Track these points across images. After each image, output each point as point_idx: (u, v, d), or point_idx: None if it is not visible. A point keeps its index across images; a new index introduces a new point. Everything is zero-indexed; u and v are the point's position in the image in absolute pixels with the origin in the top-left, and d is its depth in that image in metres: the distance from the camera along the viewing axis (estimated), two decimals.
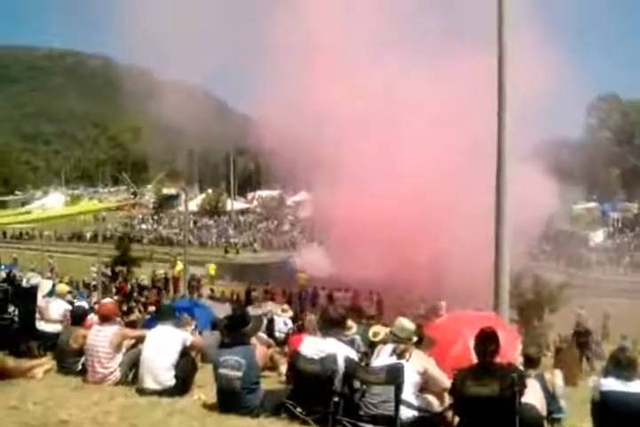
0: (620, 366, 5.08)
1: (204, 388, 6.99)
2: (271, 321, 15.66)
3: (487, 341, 5.14)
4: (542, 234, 36.01)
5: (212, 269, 40.48)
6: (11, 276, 29.20)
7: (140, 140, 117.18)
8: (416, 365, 5.44)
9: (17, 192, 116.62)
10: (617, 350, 5.39)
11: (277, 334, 15.01)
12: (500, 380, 4.89)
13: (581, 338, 19.32)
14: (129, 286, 33.26)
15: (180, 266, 42.62)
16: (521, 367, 6.24)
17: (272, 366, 9.03)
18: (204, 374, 7.27)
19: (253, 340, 6.61)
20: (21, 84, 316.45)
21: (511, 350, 7.05)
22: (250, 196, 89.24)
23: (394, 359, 5.46)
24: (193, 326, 11.95)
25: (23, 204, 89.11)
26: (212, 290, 34.13)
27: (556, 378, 6.76)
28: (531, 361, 6.83)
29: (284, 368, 8.62)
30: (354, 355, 5.70)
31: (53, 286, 12.58)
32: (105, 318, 7.67)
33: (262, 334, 10.78)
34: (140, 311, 19.18)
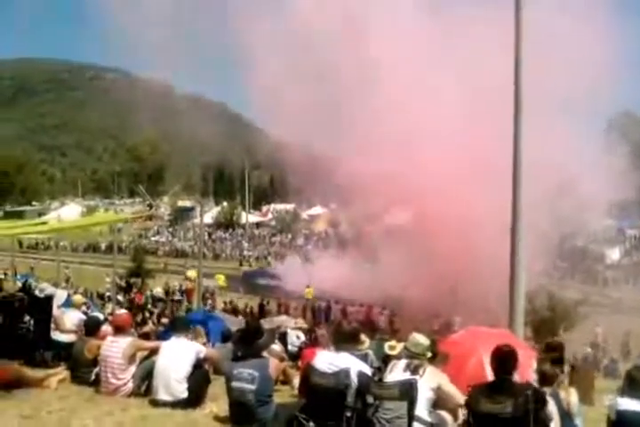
0: (635, 384, 5.02)
1: (217, 400, 6.99)
2: (284, 335, 15.62)
3: (505, 358, 5.10)
4: (558, 251, 35.73)
5: (220, 280, 40.39)
6: (26, 286, 29.39)
7: (156, 152, 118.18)
8: (430, 381, 5.41)
9: (34, 203, 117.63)
10: (632, 369, 5.34)
11: (290, 348, 14.96)
12: (514, 397, 4.85)
13: None
14: (143, 298, 33.39)
15: (190, 272, 43.01)
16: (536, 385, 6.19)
17: (285, 379, 9.02)
18: (216, 387, 7.28)
19: (266, 353, 6.61)
20: (40, 97, 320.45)
21: (526, 368, 6.99)
22: (264, 209, 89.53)
23: (407, 375, 5.44)
24: (205, 339, 11.95)
25: (39, 214, 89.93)
26: (225, 303, 34.17)
27: (572, 396, 6.68)
28: (546, 379, 6.77)
29: (296, 382, 8.59)
30: (367, 370, 5.68)
31: (68, 296, 12.65)
32: (119, 330, 7.71)
33: (276, 347, 10.79)
34: (153, 323, 19.24)
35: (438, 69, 31.67)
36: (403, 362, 5.62)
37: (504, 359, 5.10)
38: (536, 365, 7.58)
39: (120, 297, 30.74)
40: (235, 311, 30.84)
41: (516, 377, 5.18)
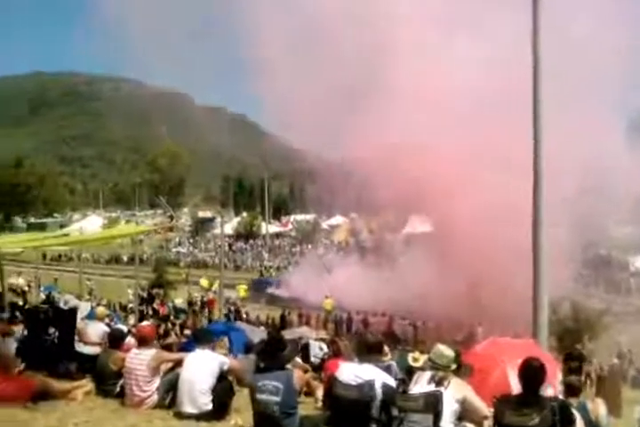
0: None
1: (241, 412, 7.00)
2: (306, 346, 15.56)
3: (534, 373, 5.06)
4: (581, 259, 35.36)
5: (242, 290, 40.55)
6: (50, 297, 29.67)
7: (176, 164, 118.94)
8: (455, 393, 5.37)
9: (55, 214, 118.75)
10: None
11: (313, 359, 14.91)
12: (539, 410, 4.81)
13: None
14: (166, 309, 33.54)
15: (203, 281, 43.34)
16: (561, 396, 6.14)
17: (308, 391, 8.99)
18: (240, 399, 7.29)
19: (289, 364, 6.60)
20: (61, 109, 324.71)
21: (551, 379, 6.92)
22: (284, 219, 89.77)
23: (432, 387, 5.40)
24: (226, 350, 11.96)
25: (61, 226, 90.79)
26: (247, 313, 34.25)
27: (600, 408, 6.61)
28: (572, 390, 6.71)
29: (320, 393, 8.56)
30: (392, 382, 5.65)
31: (92, 308, 12.75)
32: (143, 342, 7.75)
33: (298, 359, 10.77)
34: (176, 334, 19.27)
35: (455, 71, 31.50)
36: (427, 374, 5.58)
37: (533, 374, 5.06)
38: (561, 376, 7.52)
39: (142, 308, 30.87)
40: (248, 321, 30.97)
41: (549, 391, 5.13)
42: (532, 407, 4.86)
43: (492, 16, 30.18)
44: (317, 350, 15.42)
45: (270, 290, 43.27)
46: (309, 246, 64.93)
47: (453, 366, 5.65)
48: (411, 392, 5.49)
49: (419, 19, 33.72)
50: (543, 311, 11.80)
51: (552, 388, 6.38)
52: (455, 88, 30.90)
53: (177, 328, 23.55)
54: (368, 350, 5.85)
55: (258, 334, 15.88)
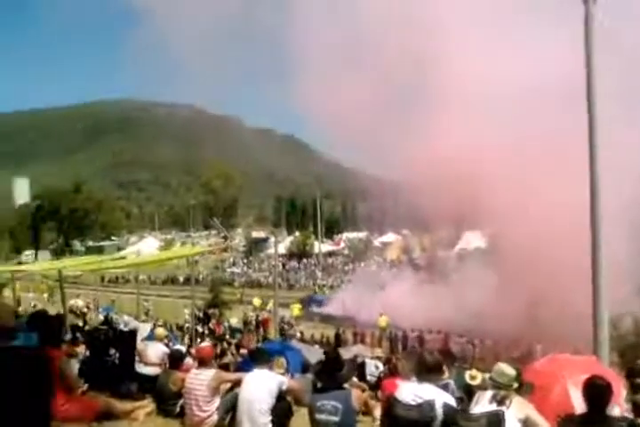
0: None
1: None
2: (362, 364, 15.49)
3: (599, 391, 4.94)
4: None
5: (296, 309, 40.62)
6: (108, 318, 30.28)
7: (229, 185, 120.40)
8: (517, 412, 5.27)
9: (113, 238, 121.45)
10: None
11: (369, 378, 14.82)
12: None
13: None
14: (222, 329, 33.84)
15: (256, 300, 43.68)
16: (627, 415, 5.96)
17: (365, 410, 8.93)
18: (298, 419, 7.29)
19: (347, 384, 6.58)
20: (115, 135, 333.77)
21: (617, 398, 6.73)
22: (337, 238, 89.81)
23: (494, 406, 5.31)
24: (284, 370, 11.98)
25: (119, 249, 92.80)
26: (301, 333, 34.26)
27: None
28: (639, 409, 6.50)
29: (377, 413, 8.49)
30: (452, 401, 5.58)
31: (152, 329, 12.95)
32: (203, 362, 7.85)
33: (354, 378, 10.72)
34: (232, 354, 19.40)
35: (507, 79, 30.94)
36: (489, 393, 5.50)
37: (598, 392, 4.94)
38: (626, 393, 7.29)
39: (199, 328, 31.22)
40: (303, 340, 31.01)
41: (616, 411, 4.99)
42: None
43: (544, 16, 29.53)
44: (373, 368, 15.33)
45: (317, 308, 43.25)
46: (362, 264, 64.76)
47: (515, 385, 5.55)
48: (472, 412, 5.41)
49: (465, 26, 33.34)
50: (603, 327, 11.45)
51: (619, 407, 6.19)
52: (507, 95, 30.38)
53: (233, 348, 23.70)
54: (428, 370, 5.78)
55: (313, 353, 15.88)
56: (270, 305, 38.31)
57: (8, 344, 2.94)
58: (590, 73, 11.05)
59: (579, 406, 5.72)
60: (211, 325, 35.08)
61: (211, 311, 40.06)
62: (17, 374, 2.71)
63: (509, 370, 5.60)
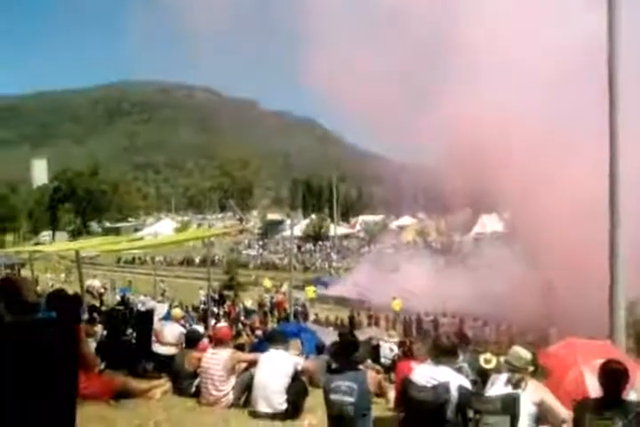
0: None
1: (314, 412, 7.04)
2: (376, 347, 15.54)
3: (615, 376, 4.92)
4: None
5: (310, 291, 40.71)
6: (125, 299, 30.57)
7: (245, 168, 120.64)
8: (532, 395, 5.27)
9: (129, 219, 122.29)
10: None
11: (383, 360, 14.86)
12: (624, 414, 4.66)
13: None
14: (237, 310, 34.04)
15: (266, 282, 43.96)
16: None
17: (379, 392, 8.97)
18: (313, 399, 7.34)
19: (361, 365, 6.60)
20: (134, 117, 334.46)
21: (634, 382, 6.69)
22: (353, 221, 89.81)
23: (509, 389, 5.32)
24: (299, 351, 12.05)
25: (135, 230, 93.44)
26: (316, 315, 34.40)
27: None
28: None
29: (391, 395, 8.53)
30: (467, 384, 5.59)
31: (169, 310, 13.06)
32: (219, 342, 7.91)
33: (369, 360, 10.76)
34: (247, 335, 19.52)
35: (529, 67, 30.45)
36: (504, 376, 5.50)
37: (614, 376, 4.91)
38: None
39: (214, 309, 31.42)
40: (317, 322, 31.19)
41: (633, 396, 4.97)
42: (614, 411, 4.72)
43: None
44: (387, 351, 15.38)
45: (324, 290, 43.34)
46: (377, 246, 64.76)
47: (530, 368, 5.54)
48: (487, 394, 5.42)
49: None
50: (620, 312, 11.39)
51: (635, 392, 6.17)
52: (526, 84, 30.03)
53: (247, 329, 23.86)
54: (443, 353, 5.79)
55: (328, 336, 15.93)
56: (285, 287, 38.46)
57: (32, 318, 2.98)
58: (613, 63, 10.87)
59: (593, 392, 5.70)
60: (225, 307, 35.29)
61: (226, 293, 40.31)
62: (44, 346, 2.73)
63: (525, 353, 5.59)
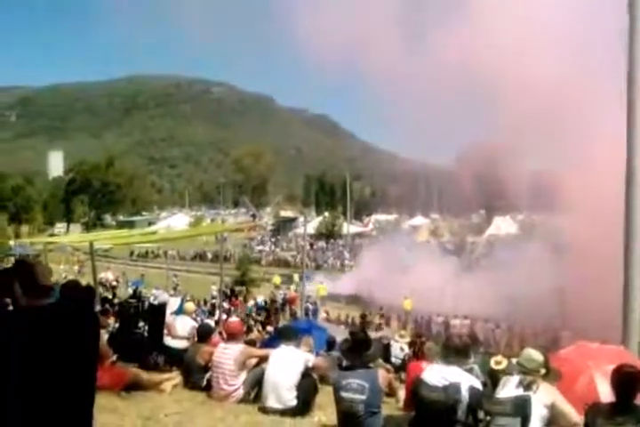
0: None
1: (324, 409, 7.05)
2: (387, 346, 15.53)
3: (628, 379, 4.88)
4: None
5: (322, 289, 40.68)
6: (137, 292, 30.74)
7: (260, 164, 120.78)
8: (544, 397, 5.25)
9: (144, 213, 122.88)
10: None
11: (393, 360, 14.85)
12: (635, 420, 4.63)
13: None
14: (247, 306, 34.09)
15: (275, 278, 44.00)
16: None
17: (389, 391, 8.97)
18: (322, 396, 7.35)
19: (372, 364, 6.59)
20: (150, 111, 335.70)
21: None
22: (366, 220, 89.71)
23: (520, 391, 5.30)
24: (311, 348, 12.06)
25: (149, 224, 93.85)
26: (326, 313, 34.42)
27: None
28: None
29: (401, 394, 8.52)
30: (479, 384, 5.58)
31: (181, 304, 13.11)
32: (231, 337, 7.93)
33: (379, 359, 10.74)
34: (258, 331, 19.58)
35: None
36: (515, 378, 5.48)
37: (627, 381, 4.88)
38: None
39: (226, 304, 31.53)
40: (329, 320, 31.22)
41: None
42: (626, 417, 4.69)
43: None
44: (398, 350, 15.37)
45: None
46: (389, 245, 64.49)
47: (542, 371, 5.53)
48: (498, 396, 5.41)
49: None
50: (634, 316, 11.31)
51: None
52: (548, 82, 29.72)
53: (258, 325, 23.93)
54: (455, 353, 5.78)
55: (339, 333, 15.94)
56: (296, 279, 38.44)
57: (49, 302, 2.99)
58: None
59: (605, 397, 5.68)
60: (232, 301, 35.33)
61: (237, 289, 40.40)
62: (65, 329, 2.73)
63: (537, 355, 5.57)
